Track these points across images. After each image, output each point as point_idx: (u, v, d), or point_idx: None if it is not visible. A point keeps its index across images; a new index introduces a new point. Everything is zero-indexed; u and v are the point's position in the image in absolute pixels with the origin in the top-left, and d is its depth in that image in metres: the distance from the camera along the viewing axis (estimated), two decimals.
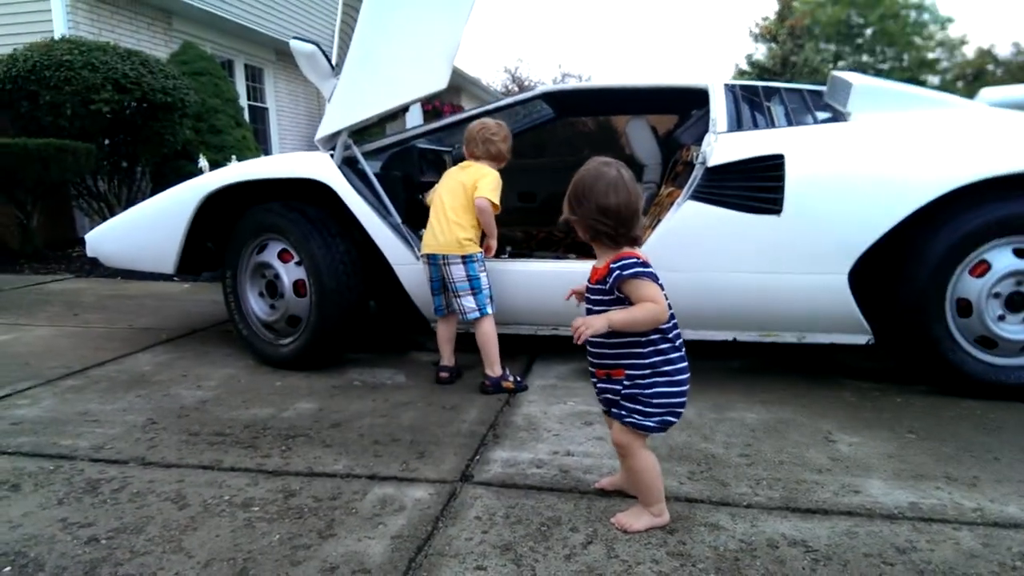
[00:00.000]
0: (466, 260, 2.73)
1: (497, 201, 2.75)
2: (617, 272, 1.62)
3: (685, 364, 1.71)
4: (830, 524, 1.74)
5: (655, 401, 1.67)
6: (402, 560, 1.57)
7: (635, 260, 1.63)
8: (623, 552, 1.61)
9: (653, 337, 1.66)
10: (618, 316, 1.61)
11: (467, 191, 2.74)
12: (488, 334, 2.75)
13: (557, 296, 2.79)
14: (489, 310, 2.76)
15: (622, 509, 1.81)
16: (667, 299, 1.64)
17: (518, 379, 2.79)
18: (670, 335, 1.68)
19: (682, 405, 1.71)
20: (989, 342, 2.61)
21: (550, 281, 2.81)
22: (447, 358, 2.89)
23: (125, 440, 2.24)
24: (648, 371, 1.67)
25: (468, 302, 2.73)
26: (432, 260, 2.78)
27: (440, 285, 2.80)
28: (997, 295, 2.57)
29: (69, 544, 1.63)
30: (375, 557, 1.58)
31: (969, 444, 2.23)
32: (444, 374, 2.85)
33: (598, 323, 1.60)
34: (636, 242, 1.70)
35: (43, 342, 3.50)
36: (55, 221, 7.13)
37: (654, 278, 1.63)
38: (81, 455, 2.13)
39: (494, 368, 2.75)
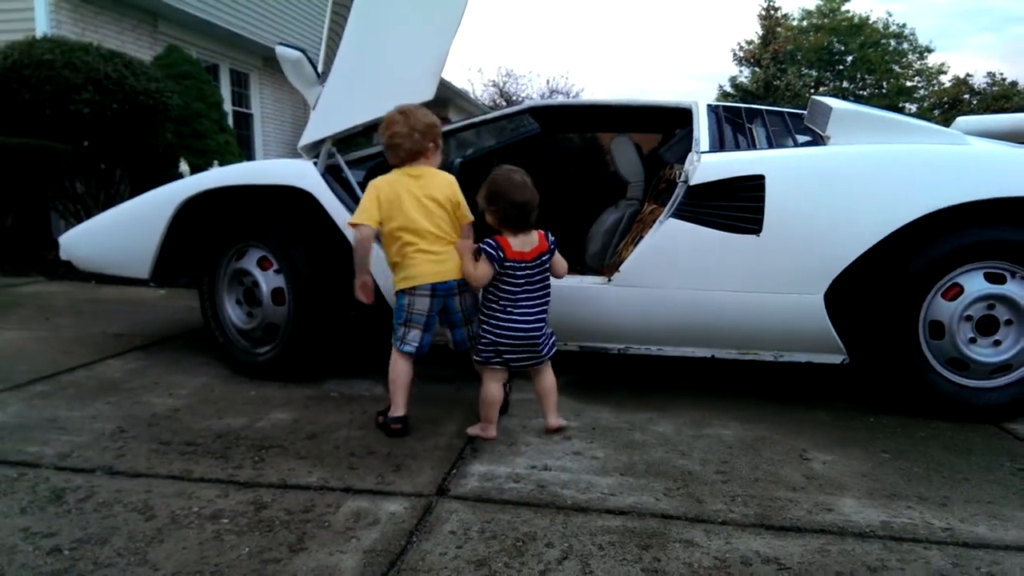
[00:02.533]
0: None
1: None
2: (553, 245, 2.39)
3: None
4: (803, 542, 1.75)
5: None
6: (374, 575, 1.55)
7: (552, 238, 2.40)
8: (598, 568, 1.60)
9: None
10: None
11: (443, 204, 2.37)
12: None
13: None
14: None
15: (599, 525, 1.80)
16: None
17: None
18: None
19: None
20: (960, 364, 2.65)
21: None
22: (403, 406, 2.41)
23: (93, 448, 2.20)
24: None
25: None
26: (439, 290, 2.37)
27: (437, 318, 2.43)
28: (969, 318, 2.61)
29: (31, 555, 1.58)
30: (347, 572, 1.56)
31: (939, 464, 2.26)
32: (397, 425, 2.39)
33: None
34: (531, 228, 2.36)
35: (13, 346, 3.43)
36: (30, 222, 7.01)
37: None
38: (47, 463, 2.08)
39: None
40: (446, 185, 2.41)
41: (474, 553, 1.66)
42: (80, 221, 6.09)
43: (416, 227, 2.34)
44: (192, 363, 3.22)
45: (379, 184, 2.38)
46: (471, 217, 2.42)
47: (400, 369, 2.42)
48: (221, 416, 2.53)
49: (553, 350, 2.44)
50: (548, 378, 2.44)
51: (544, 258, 2.36)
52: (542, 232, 2.38)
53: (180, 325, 4.03)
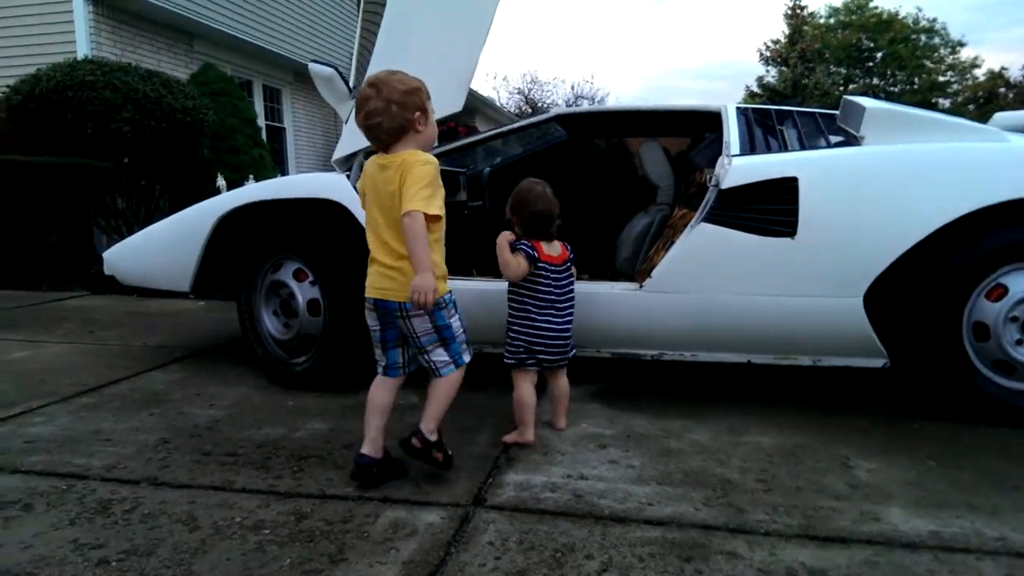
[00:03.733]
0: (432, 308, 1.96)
1: (433, 209, 1.91)
2: (571, 256, 2.51)
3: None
4: (850, 553, 1.71)
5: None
6: None
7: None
8: None
9: None
10: None
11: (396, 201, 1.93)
12: (453, 386, 2.11)
13: (577, 317, 2.79)
14: (466, 358, 2.13)
15: (638, 536, 1.79)
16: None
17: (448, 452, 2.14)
18: None
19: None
20: (1007, 367, 2.57)
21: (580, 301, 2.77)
22: (375, 441, 2.09)
23: (137, 459, 2.25)
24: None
25: (439, 355, 2.07)
26: (380, 307, 2.04)
27: (396, 335, 2.10)
28: (1015, 319, 2.54)
29: (80, 566, 1.62)
30: None
31: (989, 472, 2.19)
32: (365, 462, 2.07)
33: None
34: (553, 237, 2.46)
35: (59, 359, 3.53)
36: (73, 238, 7.20)
37: None
38: (94, 474, 2.13)
39: (431, 423, 2.08)
40: (405, 176, 1.90)
41: (513, 564, 1.65)
42: (121, 236, 6.24)
43: (372, 230, 2.04)
44: (232, 374, 3.28)
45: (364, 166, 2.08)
46: (412, 206, 1.87)
47: (371, 393, 2.14)
48: (260, 426, 2.57)
49: (573, 351, 2.53)
50: (564, 382, 2.55)
51: (568, 264, 2.51)
52: (563, 244, 2.52)
53: (220, 336, 4.10)
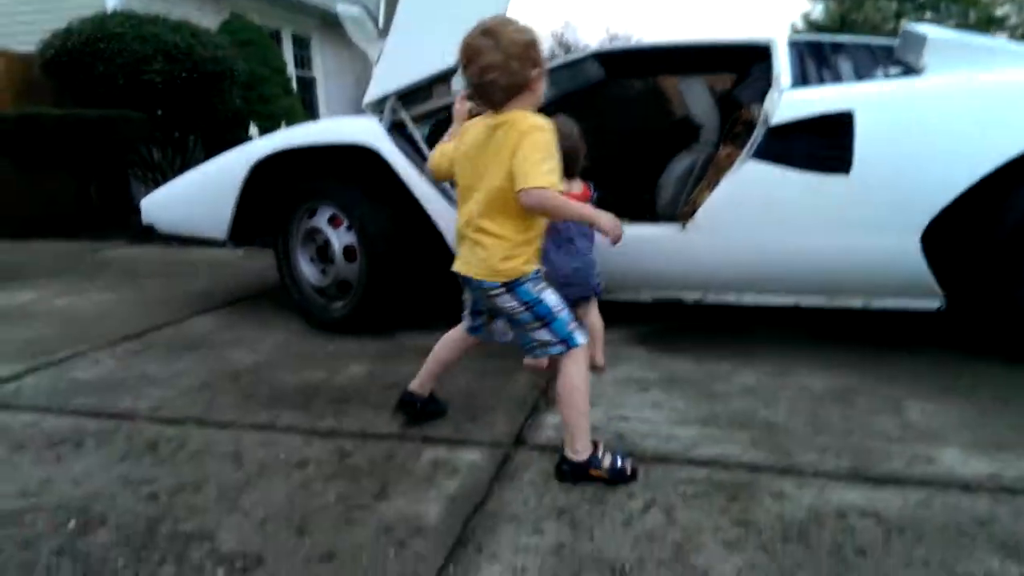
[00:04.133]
0: (512, 286, 1.77)
1: (558, 183, 1.68)
2: (595, 196, 2.46)
3: None
4: (903, 494, 1.66)
5: None
6: (457, 522, 1.55)
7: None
8: (683, 518, 1.57)
9: None
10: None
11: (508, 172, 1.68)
12: (574, 379, 1.78)
13: (618, 260, 2.73)
14: (579, 339, 1.80)
15: (683, 476, 1.76)
16: None
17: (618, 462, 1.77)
18: None
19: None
20: None
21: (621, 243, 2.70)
22: (424, 385, 2.08)
23: (182, 401, 2.27)
24: None
25: (543, 335, 1.80)
26: (465, 282, 1.87)
27: (487, 308, 1.93)
28: None
29: (130, 500, 1.65)
30: (430, 518, 1.57)
31: None
32: (407, 397, 2.08)
33: None
34: (574, 175, 2.37)
35: (102, 306, 3.58)
36: (112, 190, 7.31)
37: None
38: (140, 415, 2.16)
39: (574, 443, 1.76)
40: (521, 142, 1.67)
41: (555, 501, 1.64)
42: (158, 187, 6.30)
43: (463, 198, 1.84)
44: (272, 319, 3.30)
45: (464, 128, 1.89)
46: (539, 183, 1.63)
47: (442, 339, 2.07)
48: (301, 370, 2.58)
49: (600, 288, 2.48)
50: (595, 318, 2.51)
51: (588, 204, 2.41)
52: (586, 184, 2.46)
53: (260, 284, 4.13)
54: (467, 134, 1.84)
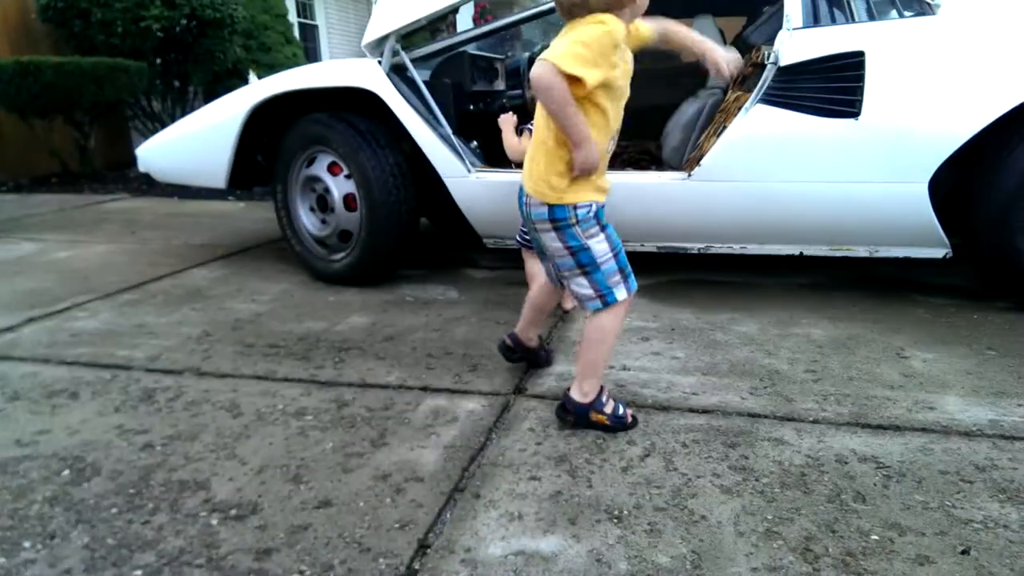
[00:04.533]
0: (558, 223, 1.62)
1: (577, 69, 1.44)
2: None
3: None
4: (903, 441, 1.65)
5: None
6: (455, 469, 1.55)
7: None
8: (682, 465, 1.56)
9: None
10: None
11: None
12: (603, 332, 1.70)
13: (621, 210, 2.68)
14: (618, 295, 1.67)
15: (682, 424, 1.75)
16: None
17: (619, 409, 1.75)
18: None
19: None
20: None
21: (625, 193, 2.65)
22: (524, 330, 2.04)
23: (180, 351, 2.27)
24: None
25: (580, 286, 1.68)
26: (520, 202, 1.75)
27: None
28: None
29: (125, 450, 1.65)
30: (428, 466, 1.57)
31: None
32: (500, 344, 2.08)
33: None
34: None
35: (101, 258, 3.57)
36: (112, 141, 7.23)
37: None
38: (137, 365, 2.15)
39: (582, 384, 1.73)
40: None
41: (554, 449, 1.63)
42: None
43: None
44: (272, 271, 3.27)
45: None
46: (544, 55, 1.47)
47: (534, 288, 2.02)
48: (301, 320, 2.57)
49: None
50: None
51: None
52: None
53: (260, 235, 4.10)
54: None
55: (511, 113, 2.49)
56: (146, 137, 7.05)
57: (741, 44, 3.43)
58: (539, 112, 1.62)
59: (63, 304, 2.77)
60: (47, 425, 1.77)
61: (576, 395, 1.72)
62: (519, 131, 2.43)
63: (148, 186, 6.06)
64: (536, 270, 2.40)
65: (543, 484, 1.49)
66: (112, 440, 1.69)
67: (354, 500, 1.44)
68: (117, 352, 2.26)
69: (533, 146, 1.65)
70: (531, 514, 1.39)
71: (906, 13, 2.56)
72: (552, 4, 3.29)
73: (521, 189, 1.70)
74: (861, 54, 2.37)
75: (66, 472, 1.56)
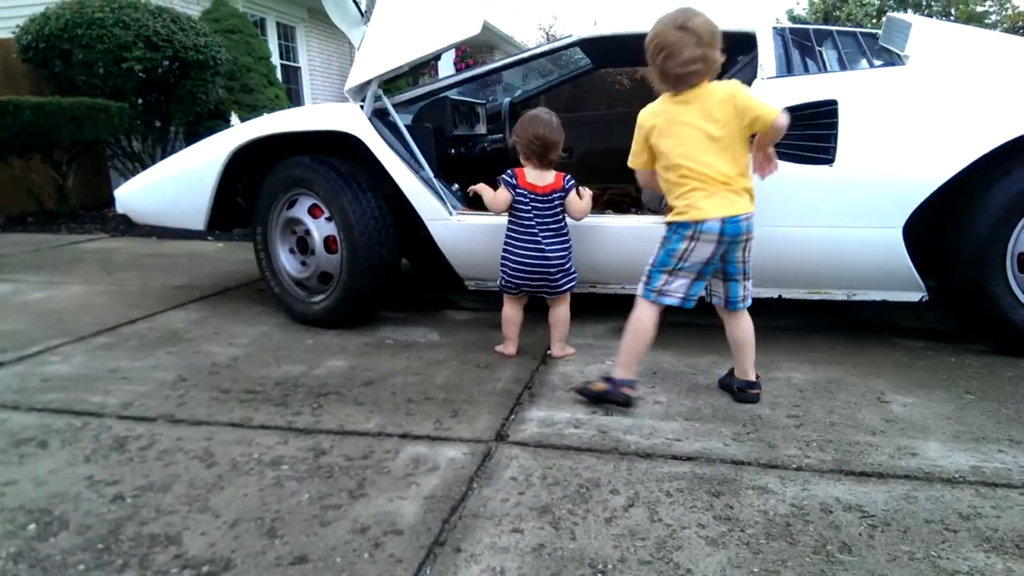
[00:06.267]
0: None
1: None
2: (572, 184, 2.50)
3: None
4: (887, 488, 1.64)
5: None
6: (435, 521, 1.52)
7: (571, 177, 2.51)
8: (666, 515, 1.54)
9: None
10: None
11: (731, 119, 1.95)
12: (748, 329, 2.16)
13: (599, 252, 2.70)
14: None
15: (666, 472, 1.73)
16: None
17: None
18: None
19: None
20: None
21: (597, 237, 2.69)
22: (633, 370, 2.13)
23: (154, 397, 2.22)
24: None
25: (750, 286, 2.15)
26: (728, 230, 1.98)
27: (713, 267, 2.08)
28: None
29: (94, 502, 1.60)
30: (408, 518, 1.53)
31: None
32: (629, 389, 2.10)
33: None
34: (552, 164, 2.48)
35: (77, 300, 3.51)
36: (91, 181, 7.18)
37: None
38: (109, 412, 2.10)
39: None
40: (736, 98, 1.96)
41: (537, 499, 1.61)
42: None
43: (696, 161, 1.99)
44: (251, 313, 3.24)
45: (641, 116, 2.09)
46: (775, 110, 1.94)
47: (643, 320, 2.10)
48: (279, 364, 2.53)
49: (571, 285, 2.53)
50: (561, 310, 2.57)
51: (556, 195, 2.48)
52: (561, 174, 2.51)
53: (239, 276, 4.06)
54: (660, 113, 2.05)
55: (481, 184, 2.57)
56: (126, 177, 7.04)
57: None
58: (737, 149, 2.00)
59: (35, 347, 2.71)
60: (14, 475, 1.72)
61: (753, 375, 2.16)
62: (495, 184, 2.52)
63: (126, 226, 6.00)
64: (517, 319, 2.59)
65: (526, 537, 1.46)
66: (81, 492, 1.64)
67: (331, 555, 1.40)
68: (89, 398, 2.21)
69: (730, 180, 1.98)
70: (513, 569, 1.36)
71: (876, 63, 2.64)
72: (533, 52, 3.33)
73: (726, 225, 1.97)
74: (834, 103, 2.42)
75: (32, 526, 1.50)
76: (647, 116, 2.07)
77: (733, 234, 1.99)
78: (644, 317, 2.09)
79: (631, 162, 2.15)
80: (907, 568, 1.35)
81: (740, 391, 2.16)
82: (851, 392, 2.22)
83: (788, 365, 2.47)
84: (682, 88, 1.99)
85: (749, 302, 2.14)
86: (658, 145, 2.03)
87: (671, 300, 2.07)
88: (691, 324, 2.99)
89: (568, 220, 2.53)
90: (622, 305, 3.19)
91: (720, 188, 1.97)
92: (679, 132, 1.99)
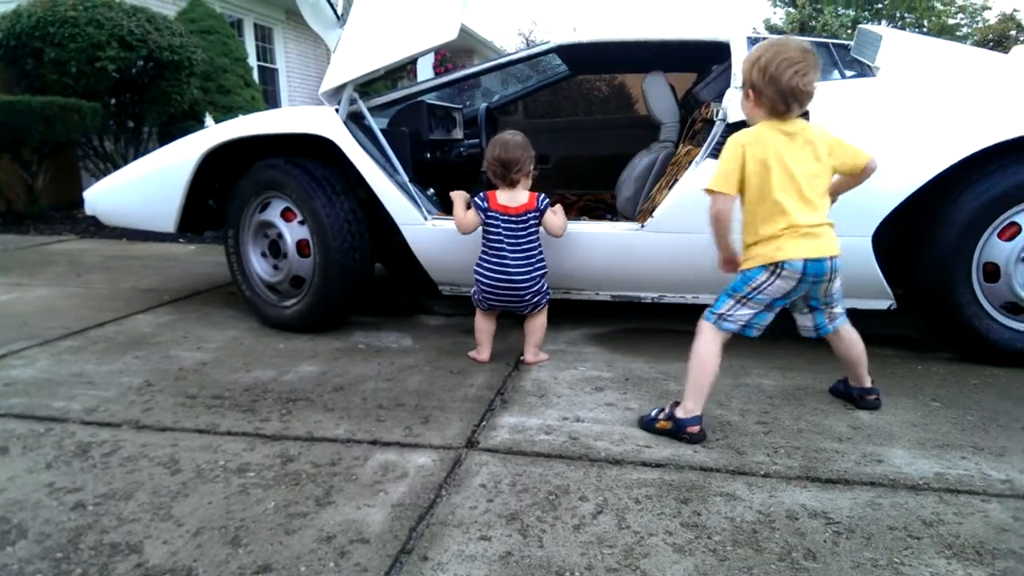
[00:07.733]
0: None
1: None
2: (547, 203, 2.51)
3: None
4: (852, 495, 1.66)
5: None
6: (403, 529, 1.50)
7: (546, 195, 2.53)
8: (634, 523, 1.54)
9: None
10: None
11: (825, 156, 1.97)
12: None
13: (574, 259, 2.70)
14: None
15: (635, 478, 1.73)
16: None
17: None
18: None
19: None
20: (1017, 308, 2.50)
21: (572, 243, 2.70)
22: (702, 402, 1.99)
23: (119, 403, 2.18)
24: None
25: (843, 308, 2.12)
26: (811, 269, 1.93)
27: (785, 302, 2.04)
28: None
29: (54, 510, 1.56)
30: (374, 526, 1.52)
31: (995, 413, 2.14)
32: (694, 428, 1.95)
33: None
34: (517, 183, 2.49)
35: (43, 302, 3.44)
36: (61, 182, 7.05)
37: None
38: (73, 417, 2.06)
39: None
40: (827, 137, 2.00)
41: (505, 507, 1.60)
42: None
43: (788, 194, 1.92)
44: (221, 317, 3.20)
45: (743, 140, 1.95)
46: (868, 154, 2.01)
47: (710, 352, 1.99)
48: (249, 369, 2.50)
49: (542, 304, 2.54)
50: (536, 319, 2.58)
51: (530, 215, 2.48)
52: (535, 193, 2.51)
53: (210, 280, 4.02)
54: (766, 142, 1.93)
55: (463, 192, 2.59)
56: (97, 178, 6.93)
57: (691, 100, 3.53)
58: (826, 188, 1.99)
59: None
60: None
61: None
62: (469, 204, 2.53)
63: (96, 227, 5.91)
64: (490, 328, 2.61)
65: (493, 544, 1.46)
66: (41, 499, 1.60)
67: (295, 564, 1.38)
68: (53, 403, 2.16)
69: (821, 220, 1.95)
70: None
71: (847, 74, 2.67)
72: (510, 57, 3.34)
73: (809, 264, 1.92)
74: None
75: None
76: (751, 140, 1.92)
77: (817, 274, 1.93)
78: (703, 342, 2.00)
79: (719, 185, 1.92)
80: (871, 575, 1.36)
81: (860, 398, 2.17)
82: (819, 399, 2.24)
83: (758, 372, 2.49)
84: (793, 112, 1.92)
85: (841, 320, 2.09)
86: (759, 175, 1.91)
87: (730, 326, 1.99)
88: (664, 331, 3.01)
89: (543, 236, 2.54)
90: (596, 311, 3.21)
91: (811, 228, 1.91)
92: (785, 167, 1.90)
